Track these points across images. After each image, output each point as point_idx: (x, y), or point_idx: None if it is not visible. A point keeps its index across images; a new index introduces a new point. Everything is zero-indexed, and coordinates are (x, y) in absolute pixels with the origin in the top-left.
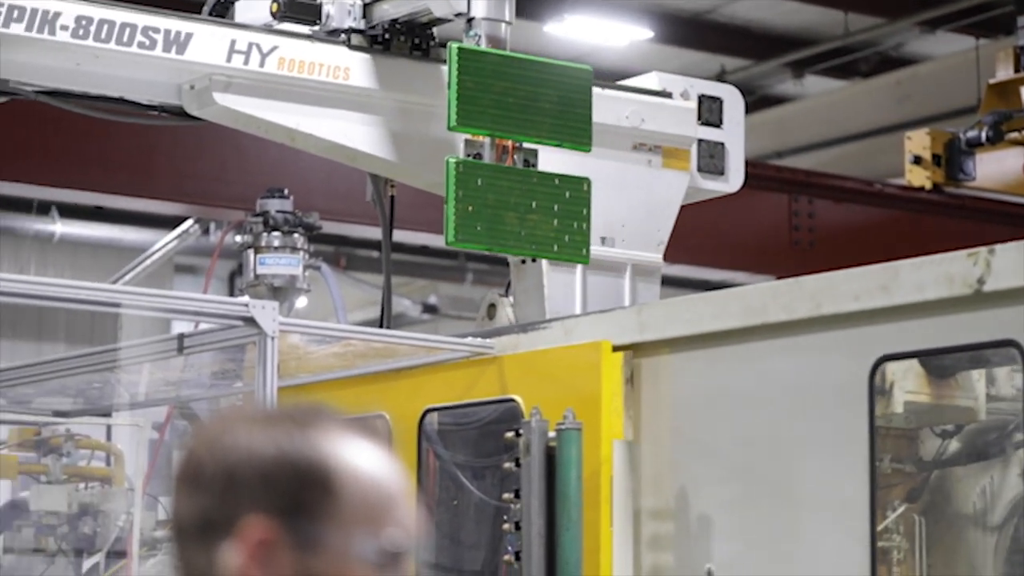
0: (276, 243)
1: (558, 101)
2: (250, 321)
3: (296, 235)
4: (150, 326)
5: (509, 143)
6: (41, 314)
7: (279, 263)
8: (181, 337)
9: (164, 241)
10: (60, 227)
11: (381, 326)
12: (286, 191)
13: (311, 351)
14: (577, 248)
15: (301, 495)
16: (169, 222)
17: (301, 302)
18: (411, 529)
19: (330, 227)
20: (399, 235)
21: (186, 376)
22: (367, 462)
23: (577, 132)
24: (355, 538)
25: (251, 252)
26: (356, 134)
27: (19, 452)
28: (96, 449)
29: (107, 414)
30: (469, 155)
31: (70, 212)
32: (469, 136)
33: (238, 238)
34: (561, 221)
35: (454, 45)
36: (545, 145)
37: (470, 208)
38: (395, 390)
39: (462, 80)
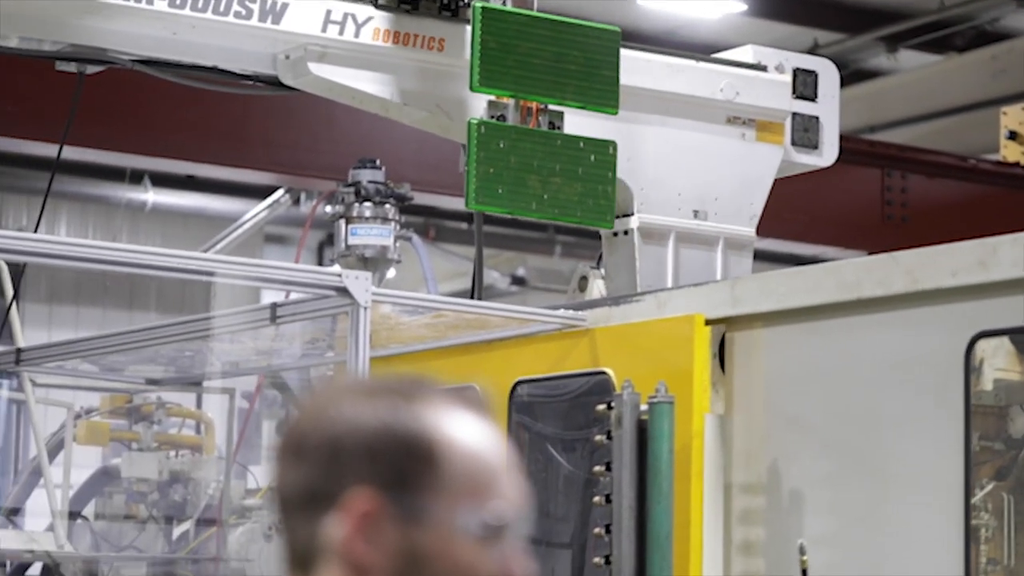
0: (367, 213)
1: (585, 63)
2: (343, 291)
3: (387, 206)
4: (239, 295)
5: (534, 105)
6: (133, 282)
7: (370, 233)
8: (274, 307)
9: (255, 211)
10: (152, 196)
11: (472, 297)
12: (378, 162)
13: (402, 322)
14: (601, 213)
15: (406, 467)
16: (260, 192)
17: (391, 273)
18: (515, 502)
19: (421, 198)
20: None
21: (277, 346)
22: (471, 435)
23: (604, 94)
24: (459, 511)
25: (342, 222)
26: (449, 106)
27: (111, 419)
28: (187, 417)
29: (198, 383)
30: (493, 116)
31: (162, 181)
32: (493, 97)
33: (329, 208)
34: (586, 185)
35: (477, 4)
36: (570, 107)
37: (491, 170)
38: (486, 362)
39: (485, 40)
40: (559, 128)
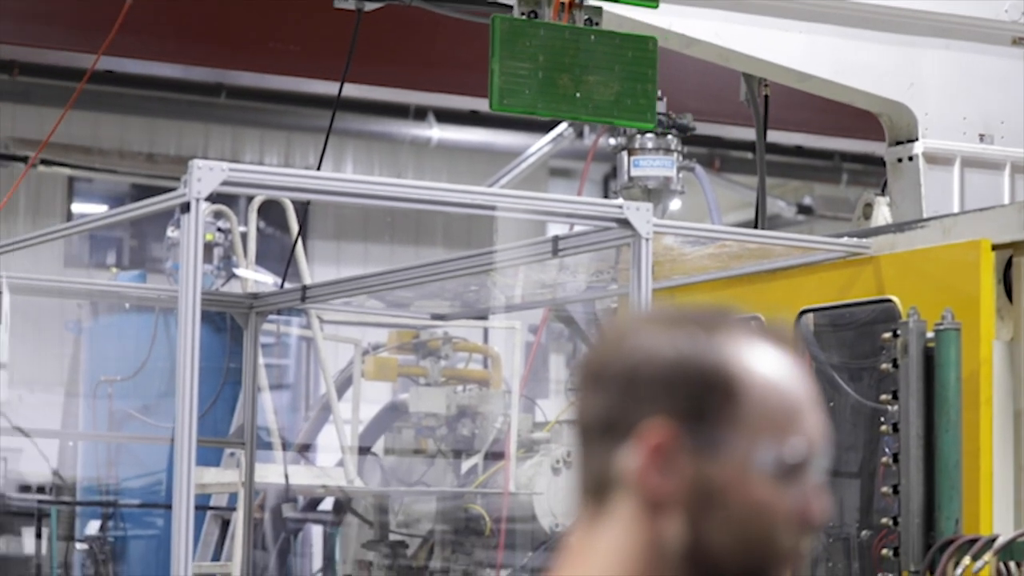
0: (650, 145)
1: None
2: (624, 223)
3: (670, 136)
4: (526, 229)
5: (567, 0)
6: (419, 218)
7: (653, 165)
8: (556, 239)
9: (539, 144)
10: (436, 132)
11: (756, 227)
12: (659, 92)
13: (685, 253)
14: (641, 112)
15: (703, 399)
16: (544, 125)
17: (675, 204)
18: (816, 439)
19: (704, 128)
20: (773, 135)
21: (561, 278)
22: (772, 368)
23: None
24: (756, 446)
25: (625, 154)
26: (728, 32)
27: (399, 355)
28: (473, 351)
29: (483, 317)
30: (523, 13)
31: (446, 117)
32: None
33: (612, 140)
34: (624, 83)
35: None
36: (605, 1)
37: (518, 70)
38: (770, 291)
39: None
40: (597, 24)
